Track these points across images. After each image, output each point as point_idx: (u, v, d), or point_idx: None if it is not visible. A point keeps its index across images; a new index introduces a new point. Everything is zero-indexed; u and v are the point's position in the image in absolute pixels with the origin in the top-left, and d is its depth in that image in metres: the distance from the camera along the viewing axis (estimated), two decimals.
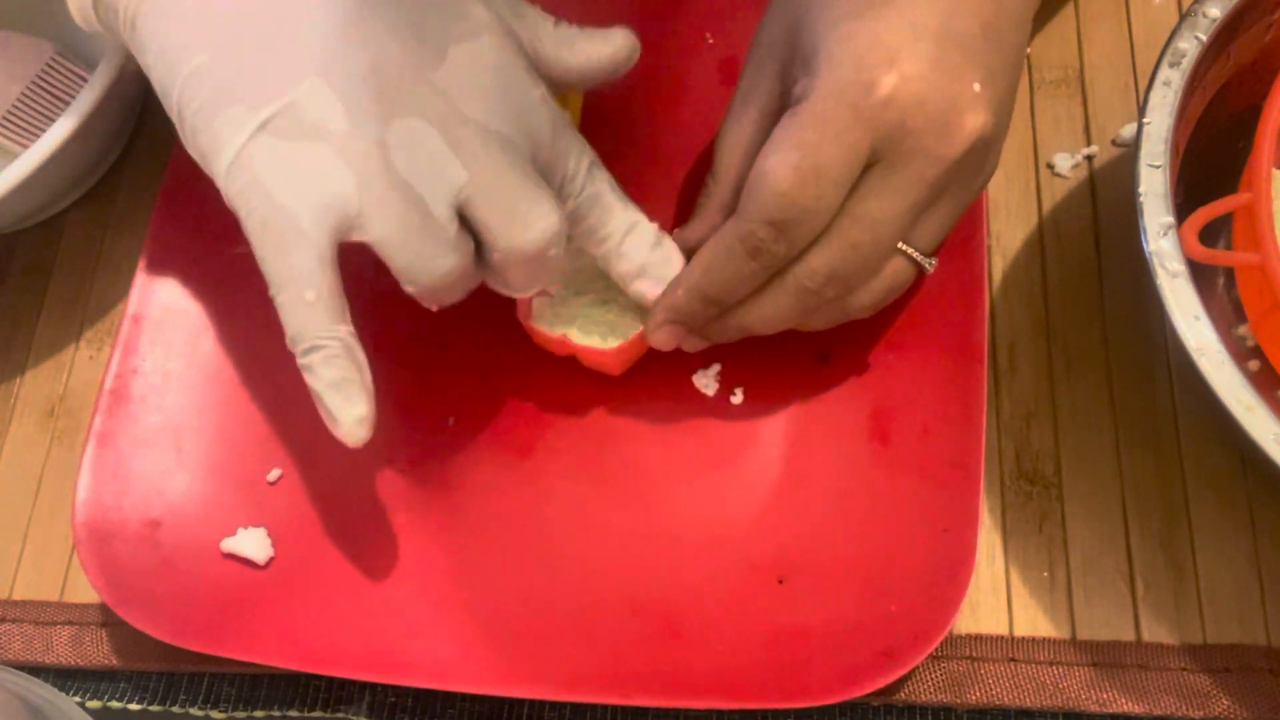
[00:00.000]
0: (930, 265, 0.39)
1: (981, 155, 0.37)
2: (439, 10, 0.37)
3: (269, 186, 0.36)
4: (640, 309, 0.43)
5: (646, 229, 0.41)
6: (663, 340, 0.41)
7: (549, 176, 0.38)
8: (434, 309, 0.39)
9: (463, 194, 0.36)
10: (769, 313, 0.39)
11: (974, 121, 0.36)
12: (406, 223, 0.36)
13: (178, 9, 0.37)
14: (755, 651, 0.40)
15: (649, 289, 0.41)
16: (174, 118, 0.38)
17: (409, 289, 0.37)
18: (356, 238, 0.36)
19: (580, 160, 0.39)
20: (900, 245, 0.38)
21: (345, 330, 0.37)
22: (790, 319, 0.40)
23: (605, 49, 0.41)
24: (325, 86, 0.36)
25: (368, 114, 0.36)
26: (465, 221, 0.37)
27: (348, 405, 0.37)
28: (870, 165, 0.36)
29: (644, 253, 0.40)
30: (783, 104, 0.39)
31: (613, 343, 0.43)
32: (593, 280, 0.44)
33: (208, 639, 0.41)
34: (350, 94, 0.36)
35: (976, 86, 0.36)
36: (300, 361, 0.37)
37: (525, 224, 0.36)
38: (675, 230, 0.42)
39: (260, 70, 0.36)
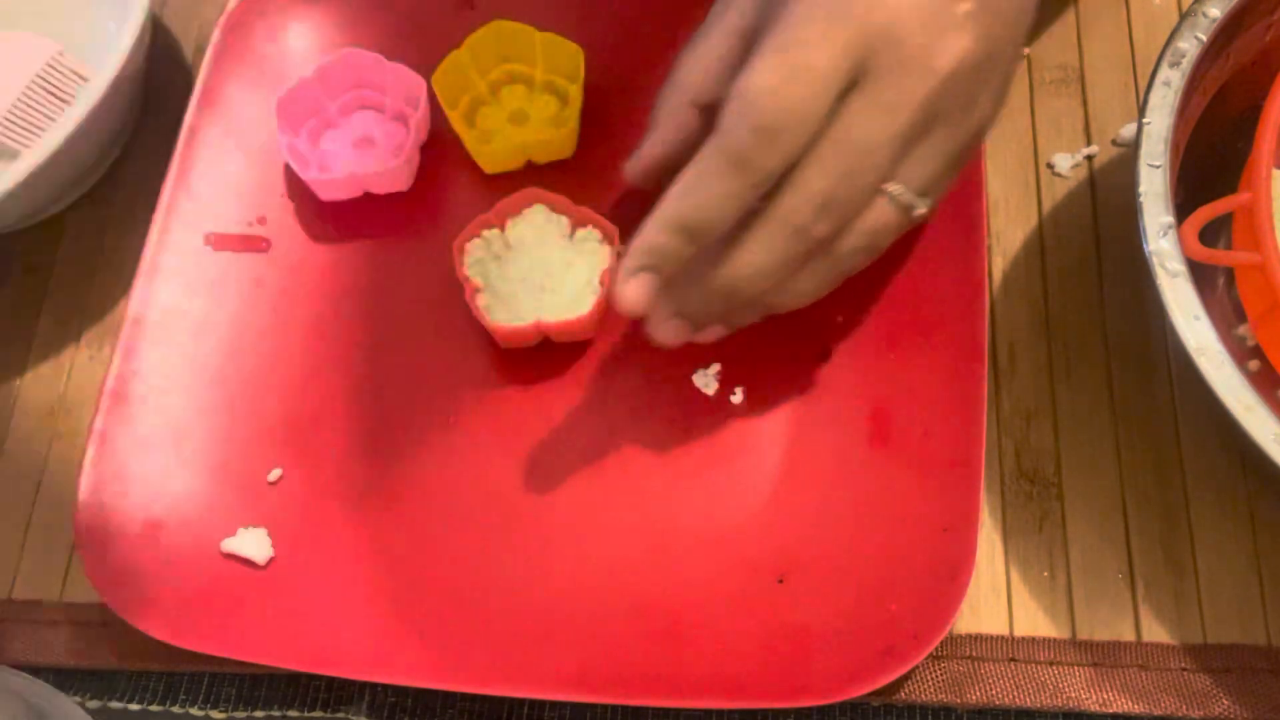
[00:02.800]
0: (922, 208, 0.37)
1: (970, 85, 0.36)
2: None
3: None
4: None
5: None
6: (633, 295, 0.37)
7: None
8: None
9: None
10: (758, 258, 0.36)
11: (958, 41, 0.34)
12: None
13: None
14: (755, 651, 0.40)
15: None
16: None
17: None
18: None
19: None
20: (889, 187, 0.36)
21: None
22: (780, 267, 0.37)
23: None
24: None
25: None
26: None
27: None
28: (856, 82, 0.35)
29: None
30: (756, 23, 0.37)
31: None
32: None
33: (208, 639, 0.41)
34: None
35: (967, 5, 0.35)
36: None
37: None
38: (631, 157, 0.42)
39: None
